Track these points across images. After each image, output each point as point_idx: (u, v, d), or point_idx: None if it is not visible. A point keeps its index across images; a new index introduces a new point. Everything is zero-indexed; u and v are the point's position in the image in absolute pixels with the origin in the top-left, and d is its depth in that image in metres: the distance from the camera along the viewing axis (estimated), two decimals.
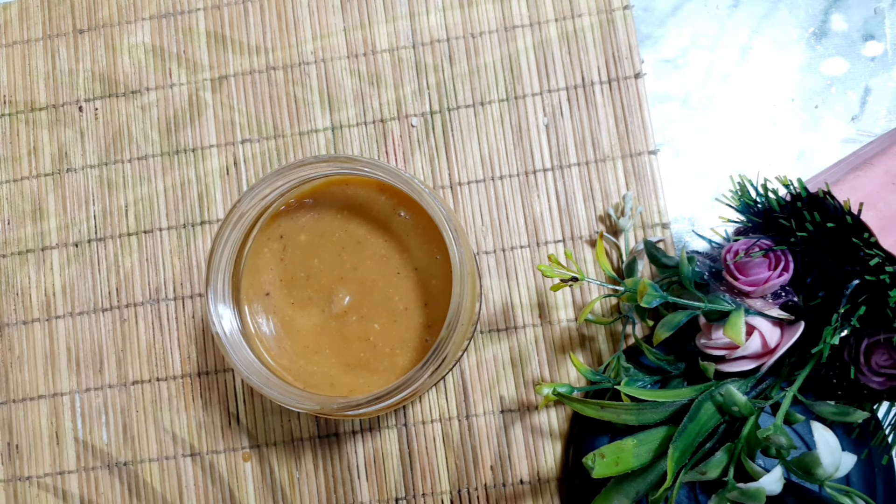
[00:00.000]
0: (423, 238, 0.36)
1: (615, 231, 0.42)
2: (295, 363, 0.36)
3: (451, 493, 0.41)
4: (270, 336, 0.36)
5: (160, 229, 0.45)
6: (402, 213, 0.36)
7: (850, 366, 0.32)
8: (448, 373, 0.41)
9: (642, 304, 0.34)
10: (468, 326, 0.35)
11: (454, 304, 0.32)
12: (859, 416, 0.32)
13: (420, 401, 0.42)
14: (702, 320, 0.36)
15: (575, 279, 0.35)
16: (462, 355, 0.41)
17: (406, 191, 0.34)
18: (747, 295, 0.34)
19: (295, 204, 0.37)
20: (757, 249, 0.33)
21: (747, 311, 0.34)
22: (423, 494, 0.41)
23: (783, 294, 0.34)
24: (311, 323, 0.36)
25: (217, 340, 0.34)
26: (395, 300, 0.36)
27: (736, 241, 0.34)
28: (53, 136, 0.46)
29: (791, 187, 0.33)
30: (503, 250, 0.43)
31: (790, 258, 0.33)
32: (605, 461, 0.31)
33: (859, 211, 0.31)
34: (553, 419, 0.41)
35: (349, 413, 0.33)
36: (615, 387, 0.36)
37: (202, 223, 0.45)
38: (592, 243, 0.42)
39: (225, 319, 0.34)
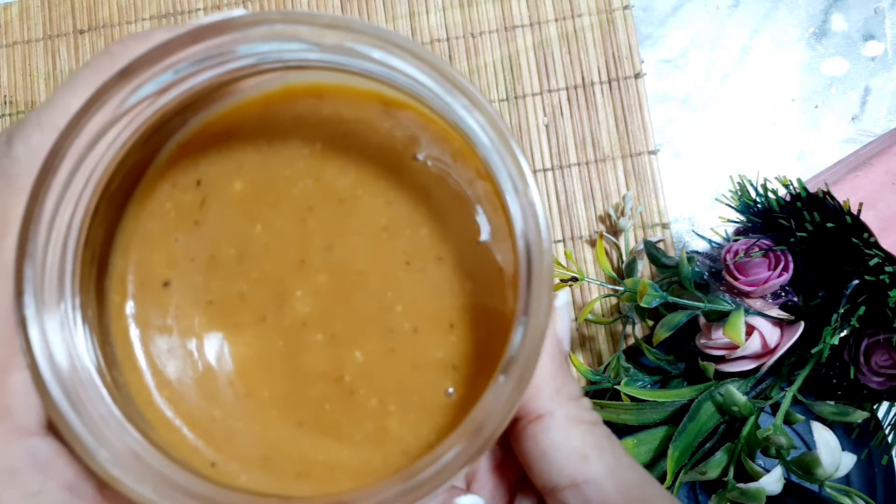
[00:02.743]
0: (459, 202, 0.20)
1: (615, 231, 0.42)
2: (204, 414, 0.20)
3: None
4: (161, 363, 0.20)
5: None
6: (422, 156, 0.20)
7: (849, 366, 0.32)
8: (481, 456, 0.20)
9: (642, 304, 0.34)
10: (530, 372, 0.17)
11: (527, 333, 0.16)
12: (859, 416, 0.32)
13: None
14: (702, 320, 0.36)
15: (575, 279, 0.35)
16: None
17: (441, 109, 0.17)
18: (747, 295, 0.34)
19: (224, 125, 0.21)
20: (757, 249, 0.33)
21: (747, 311, 0.34)
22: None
23: (783, 294, 0.34)
24: (242, 341, 0.21)
25: (33, 377, 0.16)
26: (397, 311, 0.20)
27: (736, 241, 0.34)
28: None
29: (791, 187, 0.33)
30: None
31: (790, 258, 0.33)
32: None
33: (859, 211, 0.31)
34: None
35: None
36: (615, 387, 0.36)
37: None
38: (592, 243, 0.42)
39: (56, 339, 0.17)
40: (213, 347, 0.21)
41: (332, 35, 0.16)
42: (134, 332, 0.20)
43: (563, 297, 0.20)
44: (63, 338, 0.17)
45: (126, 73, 0.16)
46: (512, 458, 0.20)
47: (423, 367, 0.20)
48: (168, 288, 0.20)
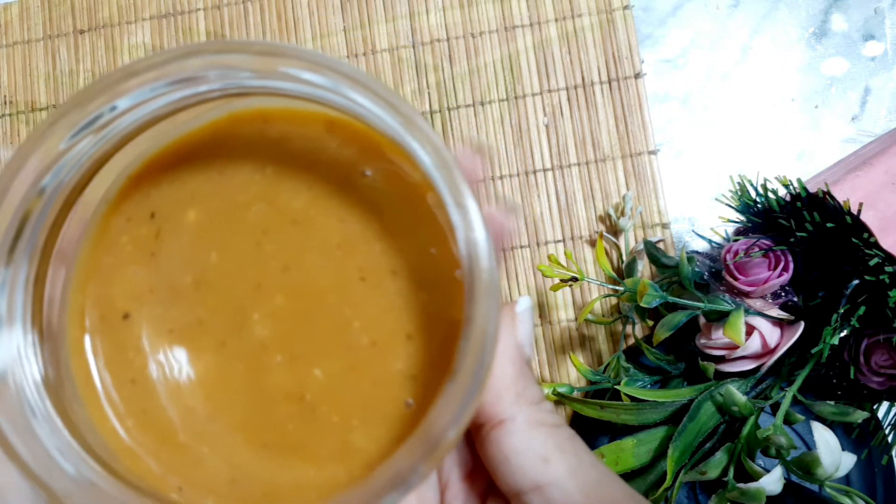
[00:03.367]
0: (408, 216, 0.21)
1: (615, 231, 0.42)
2: (169, 440, 0.20)
3: None
4: (123, 394, 0.21)
5: None
6: (370, 172, 0.21)
7: (849, 366, 0.32)
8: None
9: (642, 304, 0.34)
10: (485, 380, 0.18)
11: (479, 338, 0.17)
12: (859, 416, 0.32)
13: None
14: (702, 320, 0.36)
15: (575, 279, 0.35)
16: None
17: (383, 130, 0.18)
18: (747, 295, 0.34)
19: (174, 155, 0.21)
20: (757, 249, 0.33)
21: (747, 311, 0.34)
22: None
23: (783, 294, 0.34)
24: (203, 366, 0.21)
25: None
26: (355, 327, 0.21)
27: (736, 241, 0.34)
28: None
29: (791, 187, 0.33)
30: (503, 250, 0.43)
31: (790, 258, 0.33)
32: (605, 461, 0.31)
33: (859, 211, 0.31)
34: None
35: None
36: (615, 387, 0.36)
37: None
38: (592, 243, 0.42)
39: (9, 372, 0.17)
40: (175, 374, 0.21)
41: (266, 61, 0.17)
42: (94, 366, 0.20)
43: (523, 302, 0.20)
44: (14, 372, 0.17)
45: (63, 113, 0.17)
46: (483, 467, 0.20)
47: (383, 380, 0.20)
48: (128, 320, 0.21)
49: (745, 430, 0.32)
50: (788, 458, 0.31)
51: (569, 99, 0.44)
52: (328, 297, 0.21)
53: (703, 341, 0.35)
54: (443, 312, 0.20)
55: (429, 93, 0.45)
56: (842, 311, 0.31)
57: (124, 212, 0.21)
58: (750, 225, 0.35)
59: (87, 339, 0.21)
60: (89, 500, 0.17)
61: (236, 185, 0.21)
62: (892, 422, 0.35)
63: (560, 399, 0.34)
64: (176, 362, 0.21)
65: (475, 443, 0.20)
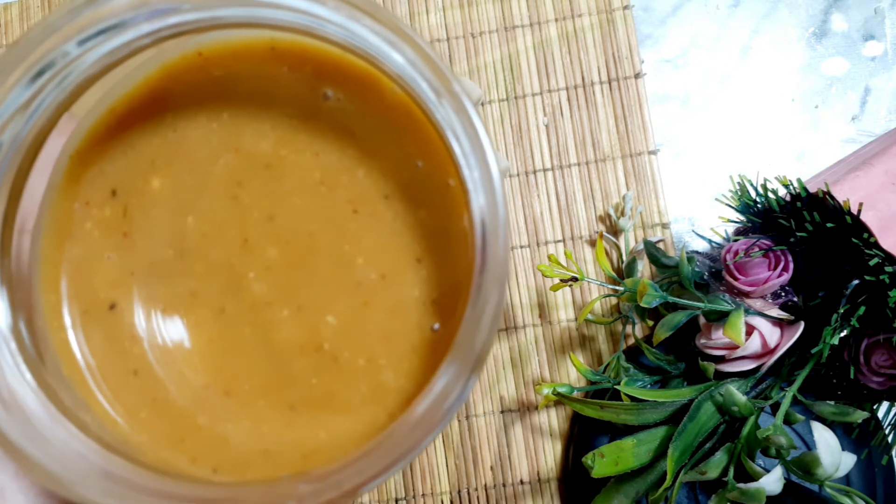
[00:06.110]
0: (384, 133, 0.19)
1: (615, 231, 0.42)
2: (189, 425, 0.19)
3: (450, 493, 0.41)
4: (128, 388, 0.19)
5: None
6: (331, 93, 0.19)
7: (849, 366, 0.32)
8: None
9: (642, 305, 0.34)
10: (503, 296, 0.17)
11: (497, 236, 0.16)
12: (859, 416, 0.32)
13: None
14: (702, 320, 0.36)
15: (575, 279, 0.35)
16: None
17: (338, 37, 0.16)
18: (747, 295, 0.34)
19: (117, 123, 0.19)
20: (757, 249, 0.33)
21: (747, 311, 0.34)
22: (423, 495, 0.41)
23: (783, 294, 0.34)
24: (206, 339, 0.19)
25: None
26: (360, 263, 0.19)
27: (736, 241, 0.34)
28: None
29: (791, 187, 0.33)
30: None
31: (790, 258, 0.33)
32: (604, 461, 0.31)
33: (859, 211, 0.31)
34: (553, 419, 0.41)
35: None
36: (615, 387, 0.36)
37: None
38: (592, 243, 0.42)
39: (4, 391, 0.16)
40: (179, 355, 0.19)
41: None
42: (87, 366, 0.19)
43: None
44: (10, 394, 0.16)
45: None
46: None
47: (402, 310, 0.19)
48: (115, 310, 0.19)
49: (745, 430, 0.32)
50: (788, 458, 0.31)
51: (569, 99, 0.44)
52: (323, 238, 0.19)
53: (703, 341, 0.35)
54: (446, 225, 0.19)
55: None
56: (842, 311, 0.31)
57: (80, 195, 0.19)
58: (750, 225, 0.35)
59: (73, 339, 0.19)
60: (125, 496, 0.15)
61: (194, 139, 0.19)
62: (893, 422, 0.35)
63: (560, 399, 0.34)
64: (176, 341, 0.19)
65: None
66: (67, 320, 0.19)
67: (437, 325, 0.19)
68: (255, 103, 0.19)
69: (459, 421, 0.41)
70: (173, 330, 0.19)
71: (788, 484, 0.32)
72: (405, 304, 0.19)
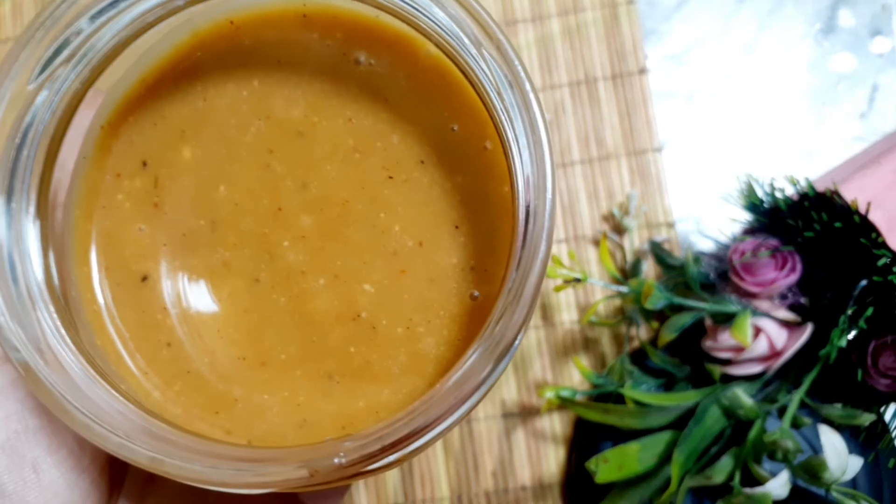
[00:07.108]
0: (417, 97, 0.19)
1: (619, 230, 0.42)
2: (225, 398, 0.19)
3: (451, 499, 0.40)
4: (162, 361, 0.19)
5: None
6: (363, 58, 0.19)
7: (857, 368, 0.32)
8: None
9: (647, 306, 0.33)
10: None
11: (544, 191, 0.15)
12: (866, 418, 0.31)
13: None
14: (708, 322, 0.35)
15: (578, 280, 0.34)
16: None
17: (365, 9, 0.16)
18: (754, 296, 0.33)
19: (147, 93, 0.19)
20: (764, 250, 0.33)
21: (754, 313, 0.33)
22: (423, 500, 0.40)
23: (790, 295, 0.33)
24: (241, 309, 0.19)
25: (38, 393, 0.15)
26: (396, 231, 0.19)
27: (742, 241, 0.34)
28: None
29: (798, 186, 0.32)
30: None
31: (797, 259, 0.33)
32: (608, 466, 0.31)
33: (867, 210, 0.30)
34: (556, 423, 0.41)
35: (367, 469, 0.16)
36: (619, 390, 0.36)
37: None
38: (596, 243, 0.42)
39: (46, 365, 0.16)
40: (213, 326, 0.19)
41: None
42: (120, 337, 0.19)
43: None
44: (51, 353, 0.16)
45: (18, 52, 0.16)
46: None
47: (441, 278, 0.19)
48: (147, 282, 0.19)
49: (752, 433, 0.31)
50: (795, 462, 0.30)
51: (571, 95, 0.43)
52: (357, 206, 0.19)
53: (709, 343, 0.35)
54: (484, 190, 0.18)
55: None
56: (850, 312, 0.31)
57: (111, 167, 0.19)
58: (757, 224, 0.35)
59: (105, 311, 0.19)
60: (172, 454, 0.15)
61: (225, 107, 0.19)
62: None
63: (563, 403, 0.34)
64: (210, 312, 0.19)
65: None
66: (99, 292, 0.19)
67: (476, 293, 0.18)
68: (286, 70, 0.19)
69: (459, 425, 0.41)
70: (207, 301, 0.19)
71: (795, 488, 0.31)
72: (443, 272, 0.19)
